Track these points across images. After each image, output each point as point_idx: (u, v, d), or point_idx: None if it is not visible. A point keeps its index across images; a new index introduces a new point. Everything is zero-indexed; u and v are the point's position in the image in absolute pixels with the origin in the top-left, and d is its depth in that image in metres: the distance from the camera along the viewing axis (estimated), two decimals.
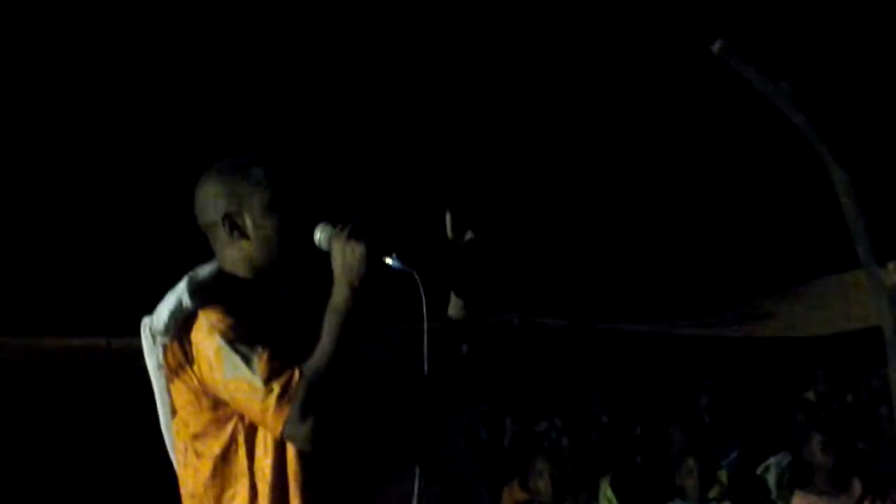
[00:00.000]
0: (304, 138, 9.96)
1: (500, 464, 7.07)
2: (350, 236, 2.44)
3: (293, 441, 2.41)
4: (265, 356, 2.42)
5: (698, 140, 11.71)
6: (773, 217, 11.63)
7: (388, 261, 2.45)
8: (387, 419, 2.63)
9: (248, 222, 2.57)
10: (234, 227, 2.57)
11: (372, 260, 2.42)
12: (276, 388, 2.39)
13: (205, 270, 2.62)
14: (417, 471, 2.51)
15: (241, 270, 2.61)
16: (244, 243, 2.58)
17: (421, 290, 2.43)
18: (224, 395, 2.45)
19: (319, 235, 2.51)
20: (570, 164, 11.60)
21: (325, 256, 2.49)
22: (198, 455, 2.52)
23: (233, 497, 2.51)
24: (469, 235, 2.60)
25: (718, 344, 9.49)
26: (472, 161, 11.06)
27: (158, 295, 2.58)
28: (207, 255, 2.63)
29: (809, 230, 10.55)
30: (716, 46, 3.56)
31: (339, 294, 2.45)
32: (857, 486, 5.78)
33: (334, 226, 2.50)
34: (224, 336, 2.45)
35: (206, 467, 2.52)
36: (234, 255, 2.60)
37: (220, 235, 2.59)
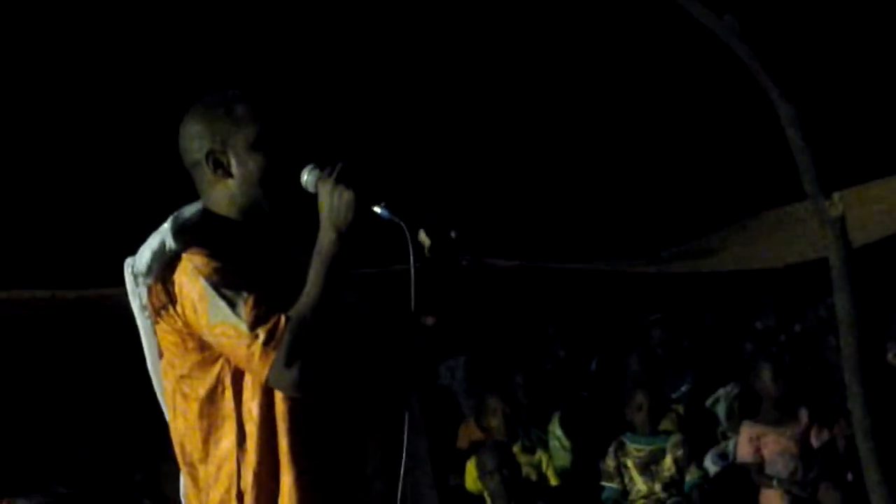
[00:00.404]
0: (294, 79, 9.85)
1: (455, 403, 7.11)
2: (338, 181, 2.40)
3: (279, 387, 2.40)
4: (251, 301, 2.39)
5: (643, 75, 11.71)
6: (719, 151, 11.69)
7: (377, 209, 2.42)
8: (367, 368, 2.59)
9: (232, 160, 2.53)
10: (218, 164, 2.53)
11: (360, 206, 2.39)
12: (262, 333, 2.37)
13: (190, 210, 2.57)
14: (406, 420, 2.47)
15: (226, 210, 2.56)
16: (228, 182, 2.54)
17: (409, 240, 2.40)
18: (209, 339, 2.43)
19: (306, 177, 2.47)
20: (516, 102, 11.57)
21: (312, 199, 2.45)
22: (185, 397, 2.50)
23: (220, 438, 2.49)
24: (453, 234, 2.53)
25: (668, 279, 9.56)
26: (432, 102, 11.02)
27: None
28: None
29: (755, 163, 10.62)
30: None
31: (326, 238, 2.42)
32: (804, 416, 5.86)
33: (322, 168, 2.46)
34: (209, 279, 2.41)
35: (192, 409, 2.50)
36: (219, 195, 2.55)
37: (205, 174, 2.54)
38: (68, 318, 7.03)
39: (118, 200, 9.66)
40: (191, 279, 2.43)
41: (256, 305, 2.39)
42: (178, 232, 2.48)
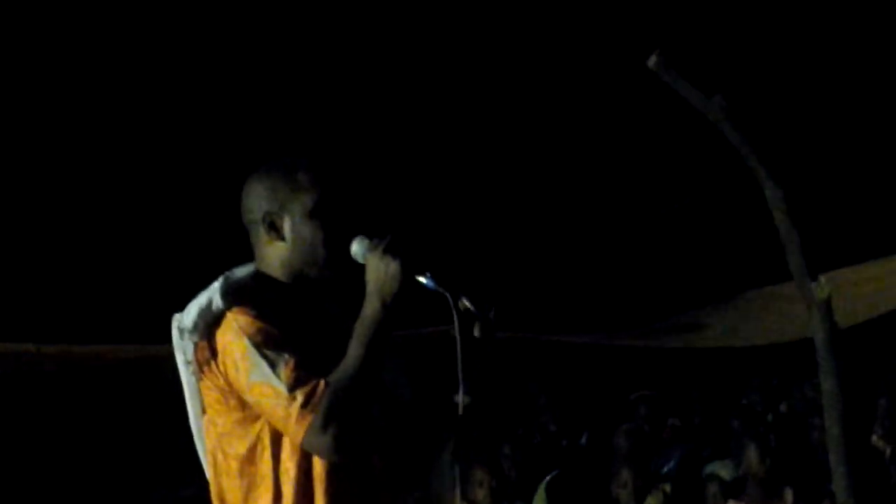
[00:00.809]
0: (346, 150, 9.92)
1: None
2: (386, 252, 2.47)
3: (313, 450, 2.43)
4: (291, 363, 2.43)
5: (634, 153, 11.81)
6: (707, 230, 11.75)
7: (422, 280, 2.48)
8: (400, 436, 2.65)
9: (287, 224, 2.59)
10: (273, 227, 2.59)
11: (405, 277, 2.46)
12: (300, 396, 2.40)
13: (242, 271, 2.64)
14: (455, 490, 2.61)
15: (277, 273, 2.62)
16: (281, 245, 2.60)
17: (454, 311, 2.47)
18: (248, 398, 2.47)
19: (356, 248, 2.54)
20: (505, 175, 11.64)
21: (360, 268, 2.52)
22: (225, 455, 2.54)
23: (257, 498, 2.52)
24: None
25: (655, 355, 9.57)
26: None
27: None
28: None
29: (743, 243, 10.67)
30: (651, 61, 3.59)
31: (370, 307, 2.47)
32: (788, 496, 5.84)
33: (371, 239, 2.53)
34: (252, 339, 2.46)
35: (232, 467, 2.53)
36: (272, 256, 2.62)
37: (260, 235, 2.61)
38: (56, 373, 7.01)
39: (109, 256, 9.65)
40: (235, 337, 2.48)
41: (297, 368, 2.43)
42: (226, 291, 2.54)
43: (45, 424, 7.79)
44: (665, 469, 6.72)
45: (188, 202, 9.85)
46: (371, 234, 2.55)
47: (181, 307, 2.56)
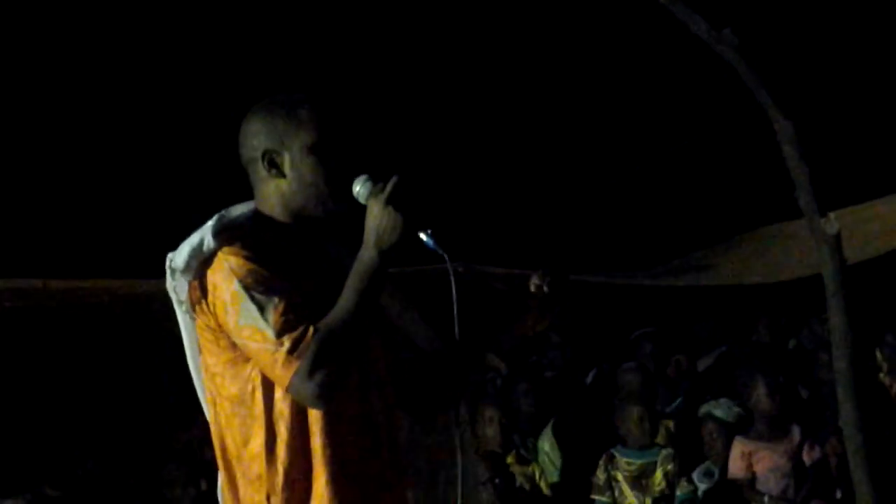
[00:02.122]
0: (348, 90, 9.85)
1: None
2: (389, 202, 2.42)
3: (298, 397, 2.41)
4: (281, 307, 2.39)
5: (640, 90, 11.72)
6: (714, 167, 11.69)
7: (423, 236, 2.44)
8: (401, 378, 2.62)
9: (287, 161, 2.55)
10: (273, 164, 2.56)
11: (406, 231, 2.41)
12: (287, 342, 2.37)
13: (239, 209, 2.61)
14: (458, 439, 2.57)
15: (276, 211, 2.58)
16: (281, 182, 2.56)
17: (451, 274, 2.43)
18: (237, 340, 2.44)
19: (359, 188, 2.49)
20: (512, 113, 11.58)
21: (362, 208, 2.48)
22: (219, 395, 2.52)
23: (249, 438, 2.50)
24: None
25: (664, 293, 9.57)
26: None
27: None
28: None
29: (752, 180, 10.62)
30: None
31: (367, 255, 2.43)
32: (796, 433, 5.86)
33: (375, 183, 2.47)
34: (242, 281, 2.43)
35: (225, 408, 2.52)
36: (271, 194, 2.57)
37: (259, 172, 2.58)
38: (62, 309, 7.00)
39: (114, 191, 9.66)
40: (224, 278, 2.45)
41: (286, 312, 2.39)
42: (218, 231, 2.51)
43: (52, 360, 7.82)
44: (670, 408, 6.75)
45: (191, 139, 9.82)
46: (375, 176, 2.50)
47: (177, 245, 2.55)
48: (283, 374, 2.38)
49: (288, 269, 2.47)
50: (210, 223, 2.54)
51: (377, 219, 2.42)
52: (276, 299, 2.40)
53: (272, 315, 2.38)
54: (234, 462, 2.53)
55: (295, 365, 2.37)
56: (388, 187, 2.45)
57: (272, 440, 2.47)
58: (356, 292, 2.41)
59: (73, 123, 9.80)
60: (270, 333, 2.38)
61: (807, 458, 5.83)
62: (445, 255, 2.43)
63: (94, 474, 6.99)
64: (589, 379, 7.40)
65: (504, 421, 6.08)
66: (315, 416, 2.46)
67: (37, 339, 7.45)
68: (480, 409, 6.18)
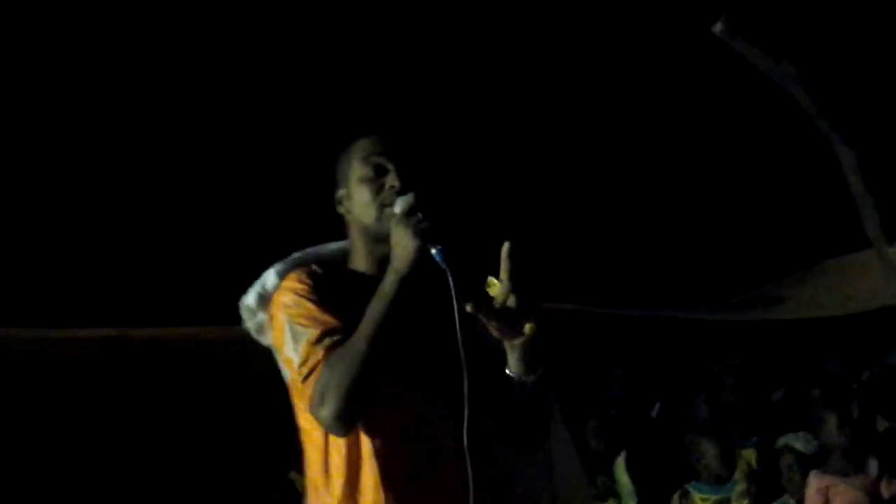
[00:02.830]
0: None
1: None
2: (401, 219, 2.42)
3: (318, 423, 2.42)
4: (313, 337, 2.43)
5: (704, 124, 11.67)
6: (780, 199, 11.59)
7: (433, 251, 2.40)
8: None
9: (347, 195, 2.62)
10: (340, 202, 2.64)
11: (420, 247, 2.39)
12: (305, 370, 2.42)
13: (332, 246, 2.69)
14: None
15: (358, 246, 2.63)
16: (349, 217, 2.62)
17: (453, 292, 2.38)
18: (284, 372, 2.52)
19: (396, 208, 2.49)
20: (575, 147, 11.57)
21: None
22: (299, 426, 2.58)
23: (315, 467, 2.54)
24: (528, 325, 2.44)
25: (733, 328, 9.48)
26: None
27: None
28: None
29: (817, 212, 10.51)
30: (717, 28, 3.55)
31: (387, 280, 2.42)
32: (873, 466, 5.76)
33: (409, 213, 2.46)
34: (288, 313, 2.49)
35: (303, 438, 2.59)
36: (350, 232, 2.64)
37: (341, 213, 2.65)
38: (136, 357, 7.12)
39: (189, 237, 9.76)
40: (277, 311, 2.53)
41: (315, 343, 2.44)
42: (283, 270, 2.61)
43: (129, 409, 7.91)
44: (749, 442, 6.66)
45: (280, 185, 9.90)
46: (421, 197, 2.47)
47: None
48: (300, 403, 2.46)
49: (344, 309, 2.48)
50: (279, 263, 2.63)
51: (393, 238, 2.43)
52: (311, 331, 2.44)
53: (303, 345, 2.44)
54: (311, 491, 2.57)
55: (307, 393, 2.41)
56: (398, 206, 2.47)
57: (328, 470, 2.51)
58: (373, 321, 2.40)
59: (150, 171, 9.93)
60: (296, 363, 2.44)
61: (885, 492, 5.72)
62: (448, 271, 2.38)
63: None
64: (654, 413, 7.34)
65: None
66: (366, 447, 2.46)
67: (119, 386, 7.57)
68: None
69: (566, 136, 11.56)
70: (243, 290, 2.68)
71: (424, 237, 2.40)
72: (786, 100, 3.63)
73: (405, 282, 2.40)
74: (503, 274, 2.43)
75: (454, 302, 2.38)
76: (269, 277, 2.60)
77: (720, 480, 5.74)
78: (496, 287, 2.41)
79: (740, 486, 5.73)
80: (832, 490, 5.73)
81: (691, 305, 9.56)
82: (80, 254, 9.27)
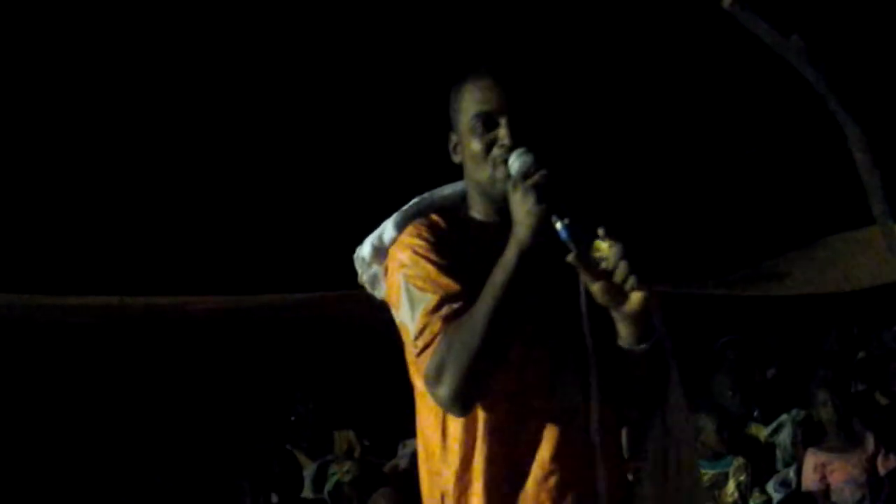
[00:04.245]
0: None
1: None
2: (527, 191, 2.20)
3: (434, 401, 2.27)
4: (431, 305, 2.25)
5: (707, 97, 11.61)
6: (785, 174, 11.56)
7: (558, 225, 2.19)
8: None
9: (460, 144, 2.42)
10: (455, 151, 2.44)
11: (542, 219, 2.18)
12: (420, 343, 2.25)
13: (450, 189, 2.50)
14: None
15: (475, 199, 2.42)
16: (465, 165, 2.42)
17: (580, 271, 2.19)
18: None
19: (512, 163, 2.28)
20: (579, 125, 11.51)
21: None
22: (414, 387, 2.41)
23: (430, 433, 2.38)
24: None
25: (735, 303, 9.48)
26: None
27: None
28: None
29: (823, 187, 10.48)
30: (727, 1, 3.52)
31: (508, 252, 2.22)
32: (870, 442, 5.77)
33: (535, 156, 2.25)
34: (405, 273, 2.30)
35: (417, 400, 2.42)
36: (466, 180, 2.44)
37: (454, 159, 2.46)
38: (137, 325, 7.11)
39: (191, 209, 9.70)
40: (393, 270, 2.35)
41: (432, 312, 2.25)
42: (401, 221, 2.42)
43: (129, 377, 7.92)
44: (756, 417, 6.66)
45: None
46: (537, 149, 2.25)
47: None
48: (416, 377, 2.30)
49: (466, 262, 2.30)
50: (397, 213, 2.44)
51: (511, 203, 2.22)
52: (428, 297, 2.26)
53: (419, 313, 2.25)
54: (424, 455, 2.40)
55: (422, 368, 2.25)
56: (514, 166, 2.26)
57: (445, 439, 2.34)
58: (492, 291, 2.20)
59: (157, 145, 9.88)
60: (412, 332, 2.27)
61: (882, 467, 5.73)
62: (574, 250, 2.17)
63: (163, 488, 7.08)
64: None
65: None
66: (482, 420, 2.29)
67: (118, 354, 7.57)
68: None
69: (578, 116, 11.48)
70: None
71: (549, 205, 2.19)
72: (794, 75, 3.60)
73: (529, 253, 2.20)
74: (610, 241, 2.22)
75: (581, 286, 2.21)
76: (387, 229, 2.40)
77: (717, 456, 5.75)
78: (605, 249, 2.22)
79: (737, 461, 5.74)
80: (828, 467, 5.75)
81: (691, 280, 9.55)
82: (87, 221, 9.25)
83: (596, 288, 2.23)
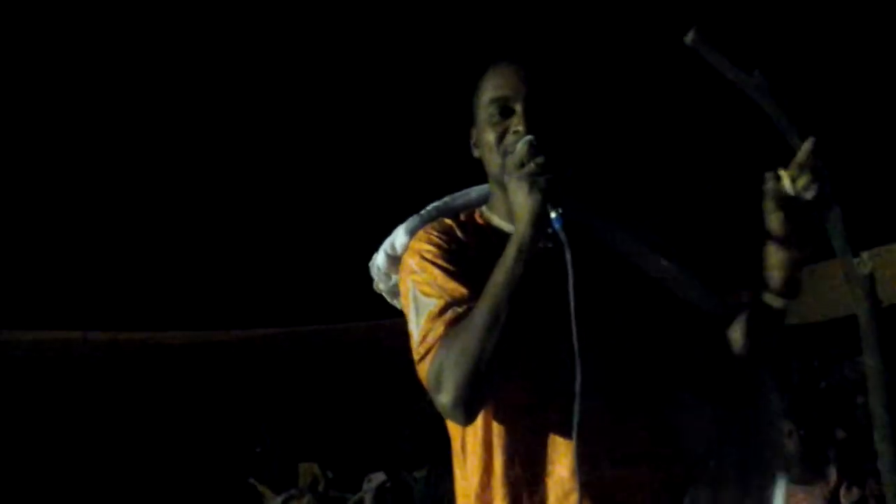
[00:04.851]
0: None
1: None
2: (522, 178, 2.11)
3: (437, 409, 2.18)
4: (434, 311, 2.17)
5: (671, 132, 11.70)
6: (745, 210, 11.63)
7: (552, 214, 2.09)
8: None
9: (477, 137, 2.36)
10: (475, 146, 2.38)
11: (538, 209, 2.08)
12: (422, 349, 2.18)
13: (470, 194, 2.43)
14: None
15: (494, 197, 2.35)
16: (483, 160, 2.35)
17: (569, 264, 2.06)
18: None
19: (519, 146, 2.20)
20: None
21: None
22: None
23: (454, 440, 2.32)
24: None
25: None
26: None
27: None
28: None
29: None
30: (688, 37, 3.56)
31: (509, 247, 2.13)
32: (832, 475, 5.80)
33: (537, 147, 2.17)
34: (413, 279, 2.25)
35: None
36: (488, 179, 2.38)
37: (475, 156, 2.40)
38: (100, 360, 7.08)
39: (158, 243, 9.66)
40: (404, 277, 2.28)
41: (435, 317, 2.16)
42: (413, 227, 2.35)
43: (92, 412, 7.85)
44: None
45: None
46: (543, 139, 2.16)
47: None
48: (423, 384, 2.20)
49: (480, 271, 2.18)
50: (411, 218, 2.38)
51: (510, 192, 2.14)
52: (434, 302, 2.19)
53: (424, 319, 2.18)
54: (455, 469, 2.34)
55: (423, 373, 2.18)
56: (517, 152, 2.17)
57: (464, 453, 2.28)
58: (492, 290, 2.09)
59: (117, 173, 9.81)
60: (417, 338, 2.19)
61: (844, 500, 5.76)
62: (565, 243, 2.07)
63: None
64: None
65: None
66: (497, 427, 2.21)
67: (80, 388, 7.50)
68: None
69: None
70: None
71: (543, 194, 2.09)
72: (755, 111, 3.64)
73: (528, 247, 2.10)
74: (802, 169, 2.05)
75: (569, 280, 2.07)
76: (399, 235, 2.35)
77: None
78: (788, 179, 2.06)
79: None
80: (791, 499, 5.76)
81: None
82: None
83: (774, 218, 2.17)
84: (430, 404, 2.24)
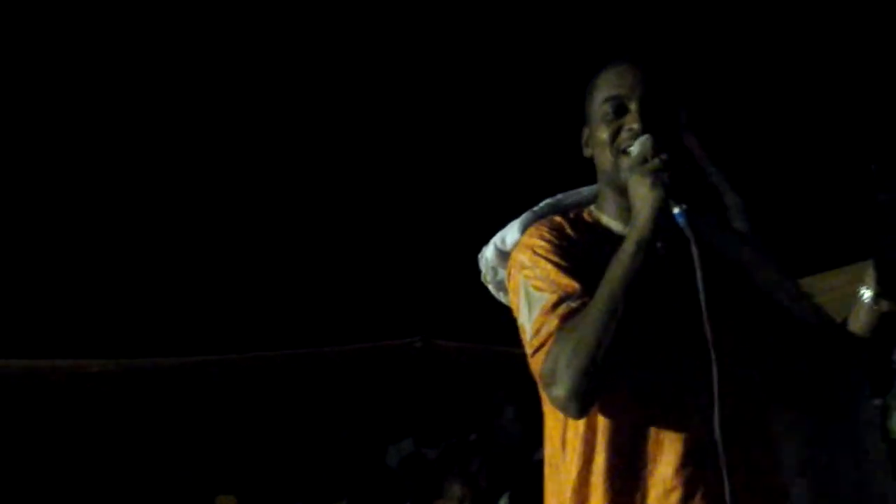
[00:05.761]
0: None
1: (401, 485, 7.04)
2: (643, 174, 2.12)
3: (550, 402, 2.18)
4: (547, 305, 2.18)
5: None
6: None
7: (675, 210, 2.10)
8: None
9: (590, 136, 2.36)
10: (586, 145, 2.38)
11: (658, 205, 2.10)
12: (536, 342, 2.20)
13: (582, 193, 2.44)
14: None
15: (604, 196, 2.35)
16: (595, 163, 2.35)
17: (697, 265, 2.07)
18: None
19: (634, 150, 2.21)
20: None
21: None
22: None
23: (551, 437, 2.30)
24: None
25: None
26: None
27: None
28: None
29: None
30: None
31: (626, 243, 2.15)
32: None
33: (655, 144, 2.18)
34: (525, 274, 2.25)
35: (543, 407, 2.35)
36: (598, 178, 2.38)
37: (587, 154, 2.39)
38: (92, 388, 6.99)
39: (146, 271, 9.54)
40: (515, 272, 2.28)
41: (548, 311, 2.17)
42: (527, 223, 2.36)
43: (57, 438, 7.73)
44: None
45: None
46: (661, 137, 2.17)
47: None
48: (536, 378, 2.20)
49: (591, 268, 2.21)
50: (525, 214, 2.39)
51: (629, 190, 2.17)
52: (546, 296, 2.20)
53: (536, 313, 2.19)
54: (548, 461, 2.32)
55: (537, 368, 2.18)
56: (634, 150, 2.20)
57: (564, 448, 2.26)
58: (608, 285, 2.11)
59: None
60: (529, 333, 2.20)
61: None
62: (692, 238, 2.09)
63: None
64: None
65: (471, 496, 6.05)
66: (602, 426, 2.21)
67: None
68: (446, 485, 6.14)
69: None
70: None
71: (667, 190, 2.11)
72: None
73: (648, 241, 2.12)
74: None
75: (699, 277, 2.07)
76: (511, 230, 2.36)
77: None
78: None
79: None
80: None
81: None
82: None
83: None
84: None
